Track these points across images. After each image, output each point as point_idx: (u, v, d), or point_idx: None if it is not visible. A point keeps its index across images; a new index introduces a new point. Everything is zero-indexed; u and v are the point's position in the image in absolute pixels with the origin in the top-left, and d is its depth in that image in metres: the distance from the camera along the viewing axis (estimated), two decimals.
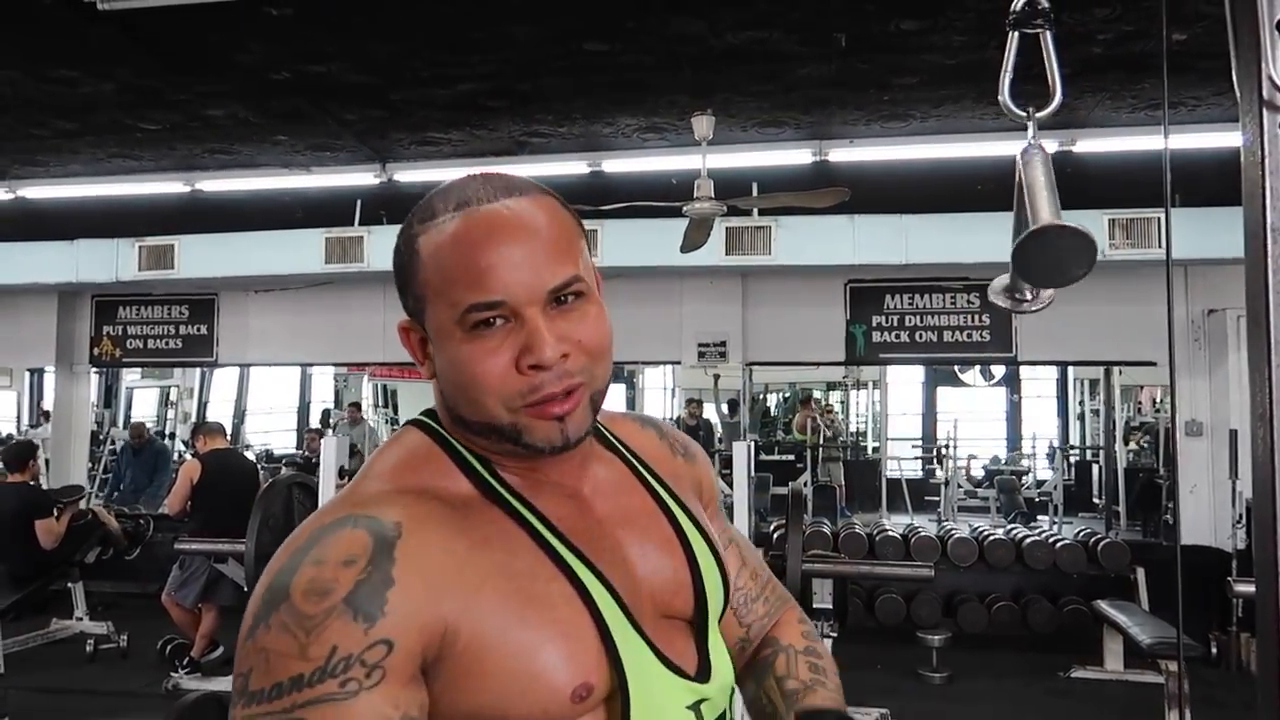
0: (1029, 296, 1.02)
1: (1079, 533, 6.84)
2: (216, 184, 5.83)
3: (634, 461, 0.94)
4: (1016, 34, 0.94)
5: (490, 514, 0.80)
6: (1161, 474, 8.57)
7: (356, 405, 10.77)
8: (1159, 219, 5.35)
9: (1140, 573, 5.83)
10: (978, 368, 13.18)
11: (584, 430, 0.82)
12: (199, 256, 6.52)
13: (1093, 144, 4.86)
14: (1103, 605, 5.45)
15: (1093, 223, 5.32)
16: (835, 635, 4.76)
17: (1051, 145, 5.01)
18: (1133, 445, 10.71)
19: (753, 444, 4.31)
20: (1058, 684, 5.29)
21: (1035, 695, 5.12)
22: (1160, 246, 5.33)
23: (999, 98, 0.93)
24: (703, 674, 0.87)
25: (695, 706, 0.85)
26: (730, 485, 4.86)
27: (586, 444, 0.86)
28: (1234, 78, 0.85)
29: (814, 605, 4.81)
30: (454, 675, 0.73)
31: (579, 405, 0.81)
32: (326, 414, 11.84)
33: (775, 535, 5.92)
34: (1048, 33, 0.93)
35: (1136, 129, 4.79)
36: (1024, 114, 0.90)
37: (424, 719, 0.73)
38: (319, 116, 4.76)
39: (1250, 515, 5.61)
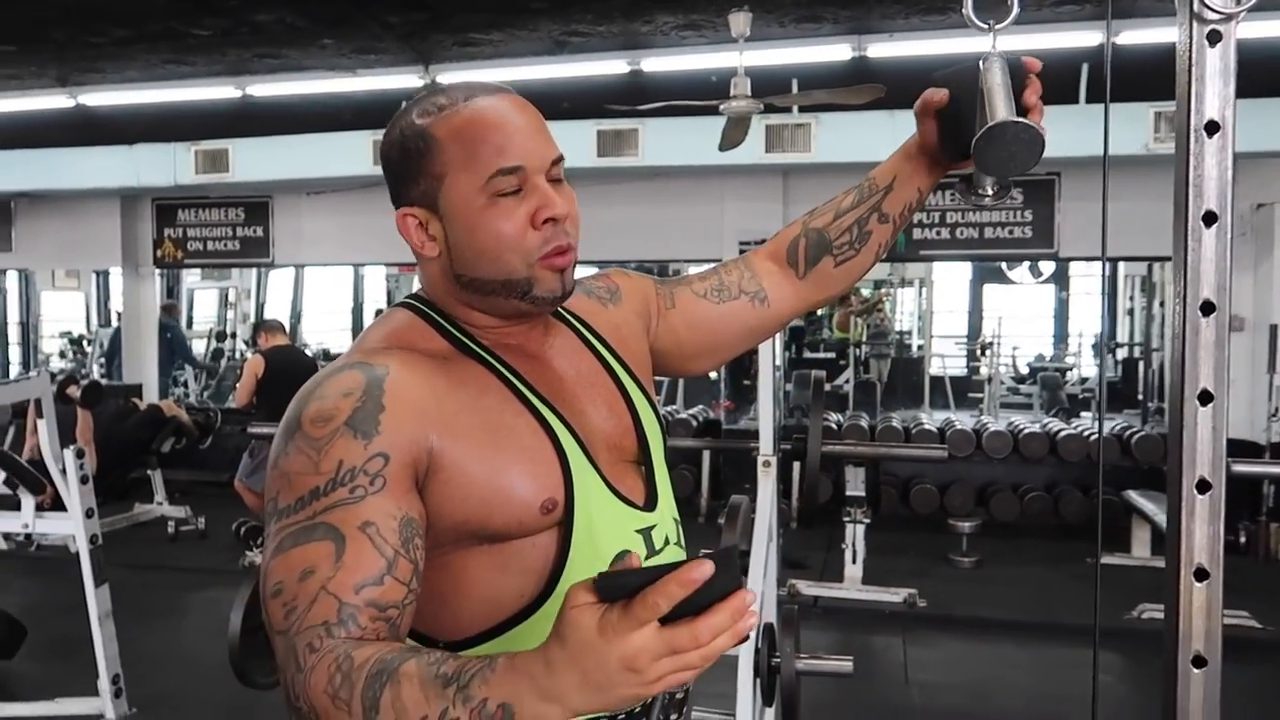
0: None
1: (1114, 426, 6.93)
2: (266, 88, 5.97)
3: (581, 329, 1.09)
4: None
5: (465, 364, 0.97)
6: None
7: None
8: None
9: None
10: (1026, 265, 13.04)
11: (572, 286, 0.99)
12: (252, 160, 6.70)
13: (1138, 35, 4.77)
14: (1132, 494, 5.59)
15: (1138, 116, 5.25)
16: (868, 521, 5.00)
17: (1096, 37, 4.92)
18: None
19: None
20: (1083, 569, 5.48)
21: (1060, 579, 5.32)
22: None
23: (963, 11, 1.03)
24: (650, 504, 1.03)
25: (645, 532, 1.01)
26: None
27: (547, 316, 1.03)
28: None
29: (847, 493, 5.03)
30: (442, 490, 0.89)
31: (571, 264, 0.97)
32: (379, 313, 12.16)
33: None
34: None
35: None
36: (985, 27, 1.01)
37: (423, 525, 0.88)
38: (362, 20, 4.84)
39: None
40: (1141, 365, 10.75)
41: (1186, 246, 0.94)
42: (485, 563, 0.93)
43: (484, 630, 0.93)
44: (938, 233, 6.71)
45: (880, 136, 5.85)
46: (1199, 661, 0.96)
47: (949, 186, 1.23)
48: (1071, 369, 12.12)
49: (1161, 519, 4.92)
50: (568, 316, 1.09)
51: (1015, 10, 0.99)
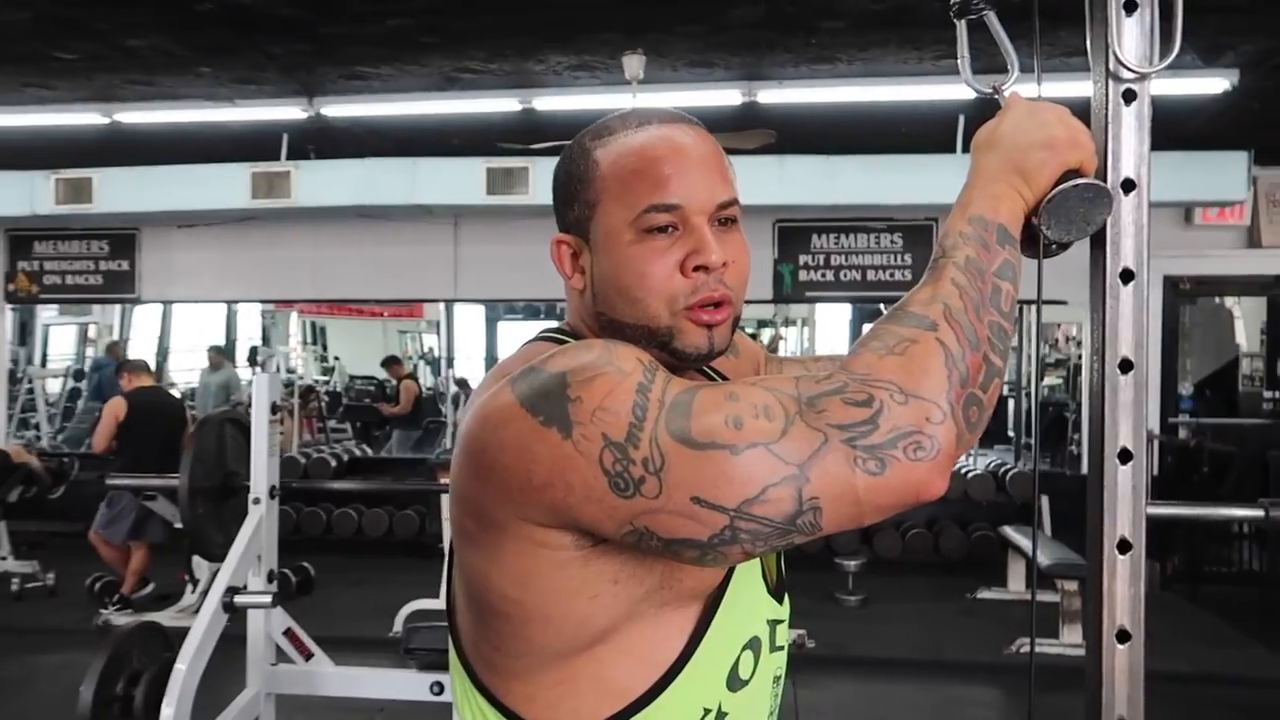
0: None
1: (990, 464, 7.19)
2: (136, 116, 5.66)
3: (716, 379, 1.02)
4: (963, 22, 0.97)
5: None
6: (1070, 408, 9.00)
7: (218, 349, 9.85)
8: None
9: (1045, 500, 6.18)
10: None
11: (725, 345, 0.88)
12: (119, 190, 6.34)
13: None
14: (1008, 531, 5.79)
15: None
16: None
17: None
18: (1049, 380, 11.20)
19: None
20: (964, 604, 5.63)
21: (944, 615, 5.45)
22: None
23: (963, 80, 0.99)
24: (779, 593, 0.95)
25: (773, 625, 0.93)
26: None
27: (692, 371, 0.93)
28: (1088, 48, 0.96)
29: None
30: None
31: (726, 320, 0.87)
32: (254, 351, 11.67)
33: None
34: (991, 13, 0.95)
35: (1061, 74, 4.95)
36: (990, 91, 0.97)
37: None
38: (244, 49, 4.65)
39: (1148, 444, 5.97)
40: (1011, 403, 11.26)
41: (1105, 304, 0.94)
42: (628, 646, 0.82)
43: (604, 719, 0.83)
44: (823, 274, 6.87)
45: (769, 179, 6.03)
46: None
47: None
48: None
49: (1035, 554, 5.09)
50: (706, 367, 1.01)
51: (1017, 72, 0.96)
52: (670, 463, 0.70)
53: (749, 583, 0.89)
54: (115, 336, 11.11)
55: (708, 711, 0.86)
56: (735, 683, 0.88)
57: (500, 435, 0.75)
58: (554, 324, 0.99)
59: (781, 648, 0.96)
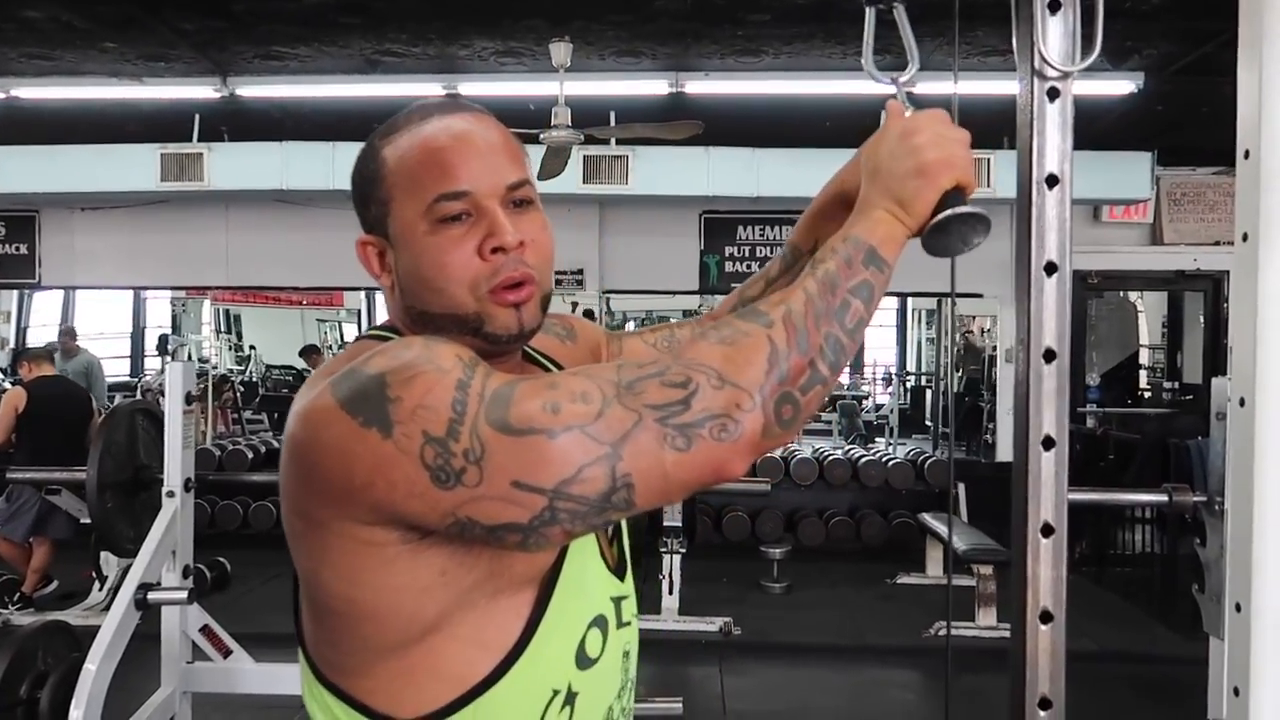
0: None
1: (909, 452, 7.37)
2: (34, 92, 5.40)
3: (549, 366, 1.02)
4: (872, 10, 0.99)
5: None
6: (985, 398, 9.28)
7: (70, 333, 8.60)
8: (989, 159, 5.73)
9: (961, 488, 6.35)
10: None
11: (536, 323, 0.89)
12: (15, 170, 6.06)
13: (932, 87, 5.12)
14: (926, 517, 5.94)
15: None
16: (684, 551, 5.04)
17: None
18: (963, 371, 11.53)
19: None
20: (885, 589, 5.77)
21: (865, 600, 5.57)
22: (990, 187, 5.72)
23: (864, 68, 1.00)
24: (620, 570, 0.97)
25: (618, 602, 0.95)
26: None
27: (518, 354, 0.94)
28: (1014, 46, 0.99)
29: (664, 523, 5.05)
30: None
31: (532, 298, 0.88)
32: (164, 339, 11.27)
33: None
34: (900, 6, 0.98)
35: (974, 74, 5.07)
36: (889, 81, 0.98)
37: None
38: (152, 24, 4.47)
39: None
40: (929, 393, 11.56)
41: (1030, 296, 0.96)
42: (463, 634, 0.82)
43: (445, 705, 0.83)
44: (748, 266, 6.94)
45: (695, 170, 6.06)
46: (1045, 704, 0.97)
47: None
48: (867, 397, 12.84)
49: (952, 539, 5.24)
50: (537, 355, 1.01)
51: (916, 66, 0.98)
52: (490, 450, 0.72)
53: (585, 562, 0.90)
54: (13, 323, 10.62)
55: (557, 692, 0.87)
56: (584, 661, 0.89)
57: (320, 437, 0.76)
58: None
59: (629, 623, 0.97)
